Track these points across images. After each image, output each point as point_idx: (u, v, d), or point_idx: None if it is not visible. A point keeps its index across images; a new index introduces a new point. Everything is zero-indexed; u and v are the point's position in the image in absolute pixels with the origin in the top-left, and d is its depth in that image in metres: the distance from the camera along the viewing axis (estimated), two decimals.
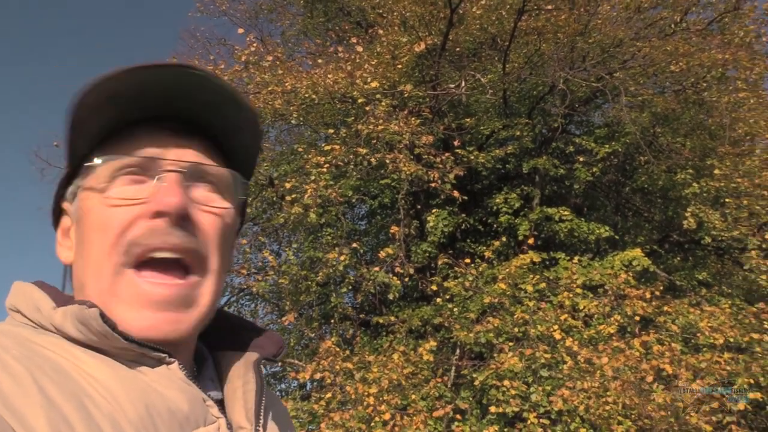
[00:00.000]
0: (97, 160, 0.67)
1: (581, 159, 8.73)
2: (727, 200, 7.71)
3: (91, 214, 0.67)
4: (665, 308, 6.75)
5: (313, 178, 6.51)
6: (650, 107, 8.43)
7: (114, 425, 0.57)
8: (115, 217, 0.66)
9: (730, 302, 7.33)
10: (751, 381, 5.89)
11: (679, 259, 9.35)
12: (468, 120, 9.10)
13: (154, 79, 0.65)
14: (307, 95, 7.13)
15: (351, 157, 6.84)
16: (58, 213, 0.75)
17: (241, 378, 0.72)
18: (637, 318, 6.64)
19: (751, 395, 5.81)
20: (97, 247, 0.66)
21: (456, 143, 7.40)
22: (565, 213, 8.46)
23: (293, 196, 6.61)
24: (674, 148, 7.98)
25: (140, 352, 0.63)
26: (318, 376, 6.09)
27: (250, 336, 0.78)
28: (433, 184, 6.87)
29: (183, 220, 0.66)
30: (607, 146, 8.64)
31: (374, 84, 7.62)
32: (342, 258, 6.64)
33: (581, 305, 7.19)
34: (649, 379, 5.45)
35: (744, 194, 7.59)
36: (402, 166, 6.43)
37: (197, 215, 0.68)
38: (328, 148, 6.91)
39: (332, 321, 8.15)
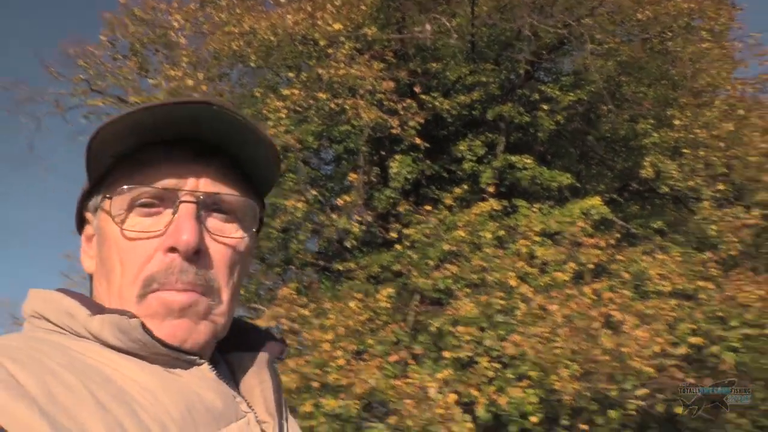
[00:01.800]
0: (115, 192, 0.70)
1: (545, 107, 8.71)
2: (684, 150, 7.81)
3: (111, 241, 0.70)
4: (618, 256, 6.90)
5: (271, 123, 6.39)
6: (616, 56, 8.39)
7: (161, 427, 0.60)
8: (133, 251, 0.68)
9: (681, 250, 7.53)
10: (694, 326, 6.12)
11: (637, 207, 9.52)
12: (434, 65, 8.96)
13: (176, 113, 0.67)
14: (266, 37, 6.91)
15: (311, 102, 6.70)
16: (81, 219, 0.78)
17: (257, 377, 0.76)
18: (591, 266, 6.79)
19: (692, 340, 6.05)
20: (118, 278, 0.69)
21: (417, 89, 7.29)
22: (528, 161, 8.50)
23: None
24: (635, 99, 8.00)
25: (175, 356, 0.67)
26: (274, 323, 6.17)
27: (255, 337, 0.81)
28: (394, 131, 6.80)
29: (196, 254, 0.68)
30: (572, 95, 8.61)
31: (337, 27, 7.41)
32: (300, 205, 6.61)
33: (538, 252, 7.33)
34: (596, 325, 5.63)
35: (702, 145, 7.69)
36: (362, 113, 6.34)
37: (211, 246, 0.71)
38: (287, 92, 6.76)
39: (293, 267, 8.19)
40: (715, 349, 6.09)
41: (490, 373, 6.14)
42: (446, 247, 7.09)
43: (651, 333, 5.82)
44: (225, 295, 0.72)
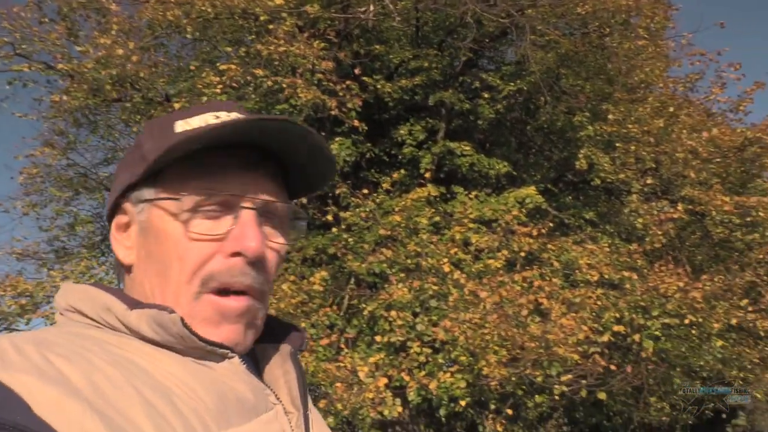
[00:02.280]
0: (183, 194, 0.71)
1: (485, 95, 8.79)
2: (617, 145, 8.03)
3: (169, 240, 0.71)
4: (549, 245, 7.06)
5: (205, 99, 6.17)
6: (556, 48, 8.52)
7: (199, 418, 0.62)
8: (195, 251, 0.70)
9: (609, 241, 7.78)
10: (617, 315, 6.34)
11: (571, 198, 9.77)
12: (378, 47, 8.88)
13: (256, 126, 0.70)
14: (203, 8, 6.65)
15: (249, 78, 6.51)
16: (114, 207, 0.78)
17: (281, 368, 0.77)
18: (523, 254, 6.93)
19: (615, 328, 6.27)
20: (176, 274, 0.70)
21: (357, 71, 7.19)
22: (466, 148, 8.57)
23: None
24: (570, 92, 8.16)
25: (209, 349, 0.69)
26: None
27: (277, 328, 0.82)
28: (332, 112, 6.70)
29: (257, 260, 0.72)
30: (512, 84, 8.71)
31: (279, 1, 7.20)
32: None
33: (473, 239, 7.42)
34: (524, 312, 5.75)
35: (633, 140, 7.92)
36: (299, 92, 6.20)
37: (265, 252, 0.74)
38: (224, 67, 6.54)
39: None
40: (637, 337, 6.33)
41: (422, 358, 6.20)
42: (382, 231, 7.07)
43: (578, 321, 6.00)
44: (267, 300, 0.76)
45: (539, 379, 5.58)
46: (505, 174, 9.13)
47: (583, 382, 5.95)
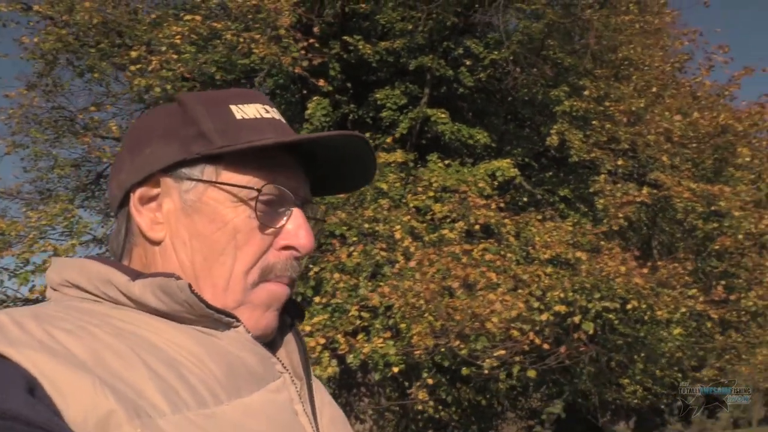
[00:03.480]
0: (249, 183, 0.71)
1: (467, 63, 8.62)
2: (593, 122, 7.83)
3: (227, 226, 0.70)
4: (506, 220, 6.99)
5: (163, 49, 6.14)
6: (543, 18, 8.26)
7: (208, 388, 0.61)
8: (256, 242, 0.71)
9: (574, 220, 7.66)
10: (561, 295, 6.29)
11: (551, 174, 9.61)
12: (363, 6, 8.74)
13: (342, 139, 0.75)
14: None
15: (211, 31, 6.47)
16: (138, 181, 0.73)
17: (281, 339, 0.78)
18: (477, 227, 6.87)
19: (557, 308, 6.23)
20: (231, 262, 0.70)
21: (316, 30, 7.08)
22: (442, 115, 8.44)
23: (138, 66, 6.25)
24: (538, 66, 7.93)
25: (216, 318, 0.68)
26: None
27: None
28: (296, 70, 6.65)
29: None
30: (495, 53, 8.51)
31: None
32: None
33: (435, 208, 7.37)
34: (456, 284, 5.74)
35: (610, 119, 7.70)
36: (254, 48, 6.14)
37: None
38: (188, 18, 6.50)
39: None
40: (577, 318, 6.29)
41: (357, 322, 6.26)
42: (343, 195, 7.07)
43: (517, 297, 5.96)
44: None
45: (464, 351, 5.60)
46: (484, 144, 9.00)
47: (517, 358, 5.95)
